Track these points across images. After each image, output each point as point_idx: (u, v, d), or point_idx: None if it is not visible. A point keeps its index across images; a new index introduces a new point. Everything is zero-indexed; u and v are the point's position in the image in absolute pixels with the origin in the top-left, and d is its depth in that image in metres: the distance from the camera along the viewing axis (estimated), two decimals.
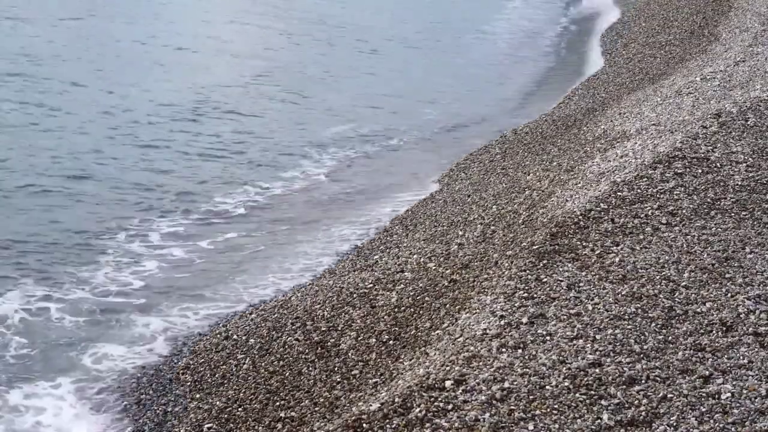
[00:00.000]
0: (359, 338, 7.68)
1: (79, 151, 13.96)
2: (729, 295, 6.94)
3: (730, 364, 5.99)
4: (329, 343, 7.76)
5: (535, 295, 6.88)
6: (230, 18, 26.19)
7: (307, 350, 7.75)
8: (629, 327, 6.41)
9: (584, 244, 7.81)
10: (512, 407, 5.48)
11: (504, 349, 6.12)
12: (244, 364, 7.86)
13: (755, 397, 5.62)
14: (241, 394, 7.36)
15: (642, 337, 6.29)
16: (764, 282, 7.15)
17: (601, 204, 8.66)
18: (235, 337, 8.42)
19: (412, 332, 7.43)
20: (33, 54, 19.10)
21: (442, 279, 8.35)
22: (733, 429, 5.35)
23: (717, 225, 8.22)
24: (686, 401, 5.58)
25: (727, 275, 7.26)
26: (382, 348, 7.37)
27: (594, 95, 17.28)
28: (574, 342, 6.19)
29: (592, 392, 5.64)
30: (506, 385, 5.68)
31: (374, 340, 7.55)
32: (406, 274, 8.86)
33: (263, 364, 7.75)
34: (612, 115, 14.09)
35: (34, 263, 10.17)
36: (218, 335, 8.58)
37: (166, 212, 11.98)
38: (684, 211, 8.46)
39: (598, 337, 6.26)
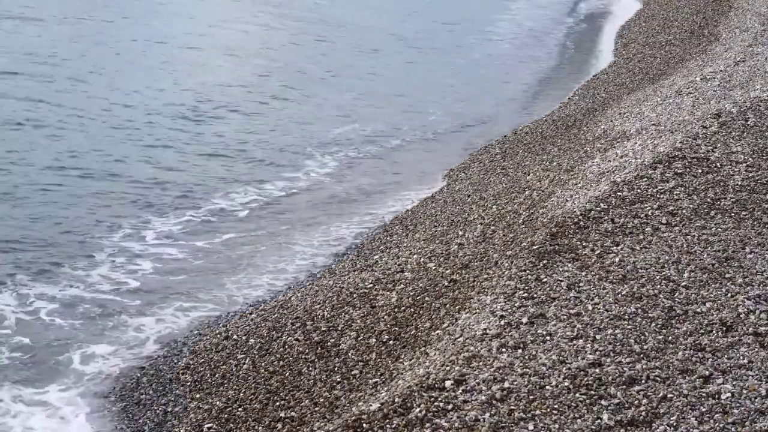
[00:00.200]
0: (359, 338, 7.68)
1: (79, 149, 13.96)
2: (729, 295, 6.94)
3: (730, 364, 5.99)
4: (329, 343, 7.76)
5: (535, 295, 6.88)
6: (232, 17, 26.18)
7: (307, 350, 7.75)
8: (629, 327, 6.41)
9: (584, 244, 7.81)
10: (512, 407, 5.48)
11: (504, 349, 6.12)
12: (244, 364, 7.86)
13: (755, 397, 5.62)
14: (241, 394, 7.36)
15: (642, 337, 6.29)
16: (764, 282, 7.15)
17: (601, 204, 8.66)
18: (235, 337, 8.42)
19: (412, 332, 7.43)
20: (34, 52, 19.10)
21: (442, 279, 8.35)
22: (733, 429, 5.35)
23: (717, 225, 8.22)
24: (686, 401, 5.58)
25: (727, 275, 7.26)
26: (382, 348, 7.37)
27: (594, 95, 17.28)
28: (574, 342, 6.19)
29: (592, 392, 5.64)
30: (506, 385, 5.68)
31: (374, 340, 7.55)
32: (406, 274, 8.86)
33: (263, 364, 7.75)
34: (612, 115, 14.09)
35: (30, 261, 10.16)
36: (218, 335, 8.58)
37: (164, 211, 11.97)
38: (684, 211, 8.46)
39: (598, 337, 6.26)
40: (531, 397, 5.58)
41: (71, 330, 8.92)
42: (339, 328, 7.98)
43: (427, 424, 5.37)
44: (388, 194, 13.30)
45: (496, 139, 15.44)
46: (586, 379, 5.76)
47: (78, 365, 8.33)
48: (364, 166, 14.72)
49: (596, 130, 13.02)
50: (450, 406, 5.52)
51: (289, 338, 8.05)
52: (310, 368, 7.45)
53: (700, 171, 9.46)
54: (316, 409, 6.79)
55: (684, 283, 7.08)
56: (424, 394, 5.68)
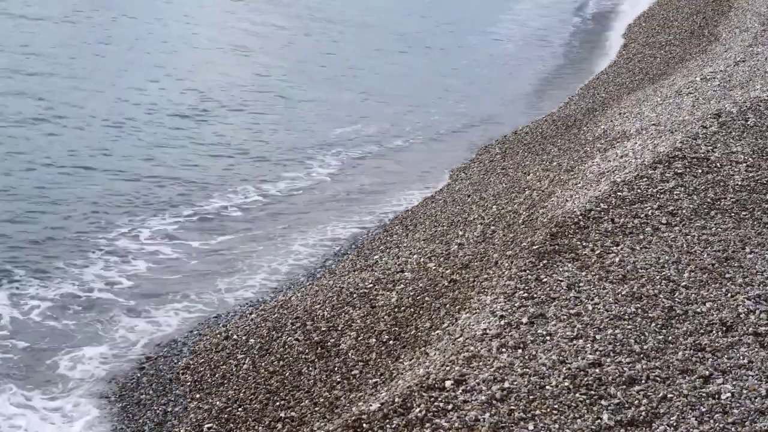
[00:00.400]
0: (359, 338, 7.68)
1: (78, 147, 13.95)
2: (729, 295, 6.94)
3: (730, 364, 5.99)
4: (329, 343, 7.76)
5: (535, 295, 6.88)
6: (235, 17, 26.18)
7: (307, 350, 7.75)
8: (629, 327, 6.41)
9: (584, 244, 7.81)
10: (512, 407, 5.48)
11: (504, 349, 6.12)
12: (244, 364, 7.86)
13: (755, 397, 5.62)
14: (241, 394, 7.36)
15: (642, 337, 6.29)
16: (764, 282, 7.15)
17: (601, 204, 8.66)
18: (235, 337, 8.42)
19: (412, 332, 7.43)
20: (35, 51, 19.10)
21: (442, 279, 8.35)
22: (733, 429, 5.35)
23: (717, 225, 8.22)
24: (686, 401, 5.58)
25: (727, 275, 7.26)
26: (382, 348, 7.37)
27: (594, 95, 17.29)
28: (574, 342, 6.19)
29: (592, 392, 5.64)
30: (506, 385, 5.68)
31: (374, 340, 7.54)
32: (406, 274, 8.86)
33: (263, 364, 7.75)
34: (612, 115, 14.09)
35: (25, 259, 10.16)
36: (218, 335, 8.58)
37: (161, 210, 11.96)
38: (684, 211, 8.46)
39: (598, 337, 6.26)
40: (531, 397, 5.58)
41: (65, 330, 8.90)
42: (339, 328, 7.98)
43: (427, 424, 5.37)
44: (389, 194, 13.30)
45: (496, 139, 15.44)
46: (586, 379, 5.76)
47: (71, 365, 8.31)
48: (365, 166, 14.72)
49: (596, 130, 13.02)
50: (450, 406, 5.52)
51: (289, 338, 8.05)
52: (310, 368, 7.45)
53: (700, 171, 9.46)
54: (316, 409, 6.79)
55: (684, 283, 7.08)
56: (424, 394, 5.68)
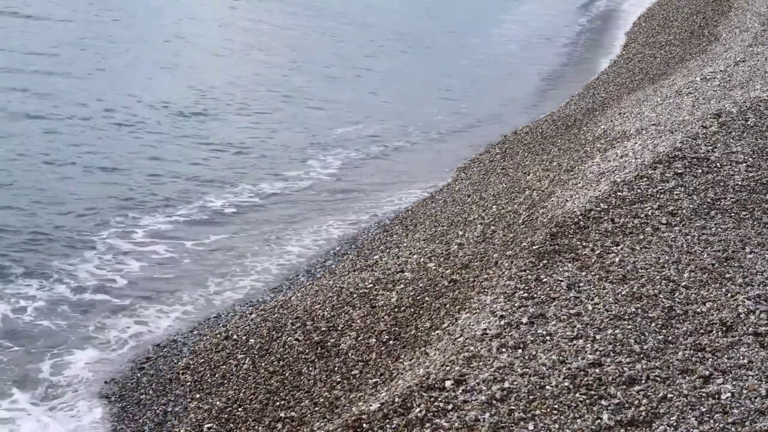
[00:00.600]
0: (359, 338, 7.68)
1: (78, 145, 13.97)
2: (729, 295, 6.94)
3: (730, 364, 5.99)
4: (329, 343, 7.76)
5: (535, 295, 6.88)
6: (237, 16, 26.20)
7: (307, 350, 7.75)
8: (629, 327, 6.41)
9: (584, 244, 7.81)
10: (512, 407, 5.48)
11: (504, 349, 6.12)
12: (244, 364, 7.86)
13: (755, 397, 5.62)
14: (241, 394, 7.36)
15: (642, 337, 6.29)
16: (764, 282, 7.15)
17: (601, 204, 8.66)
18: (235, 337, 8.42)
19: (412, 332, 7.43)
20: (37, 50, 19.12)
21: (442, 279, 8.35)
22: (733, 429, 5.35)
23: (717, 225, 8.22)
24: (686, 401, 5.58)
25: (727, 275, 7.26)
26: (382, 348, 7.37)
27: (594, 95, 17.29)
28: (574, 342, 6.19)
29: (592, 392, 5.64)
30: (506, 385, 5.68)
31: (374, 340, 7.54)
32: (406, 274, 8.86)
33: (263, 364, 7.75)
34: (612, 115, 14.09)
35: (19, 257, 10.17)
36: (218, 335, 8.58)
37: (158, 209, 11.97)
38: (684, 211, 8.46)
39: (598, 337, 6.26)
40: (531, 397, 5.58)
41: (58, 330, 8.90)
42: (339, 328, 7.98)
43: (427, 424, 5.37)
44: (390, 194, 13.30)
45: (497, 139, 15.44)
46: (586, 379, 5.76)
47: (65, 365, 8.31)
48: (366, 166, 14.71)
49: (596, 130, 13.02)
50: (450, 406, 5.52)
51: (289, 338, 8.05)
52: (310, 368, 7.45)
53: (700, 171, 9.46)
54: (316, 409, 6.79)
55: (684, 283, 7.08)
56: (424, 394, 5.68)
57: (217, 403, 7.36)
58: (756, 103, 11.85)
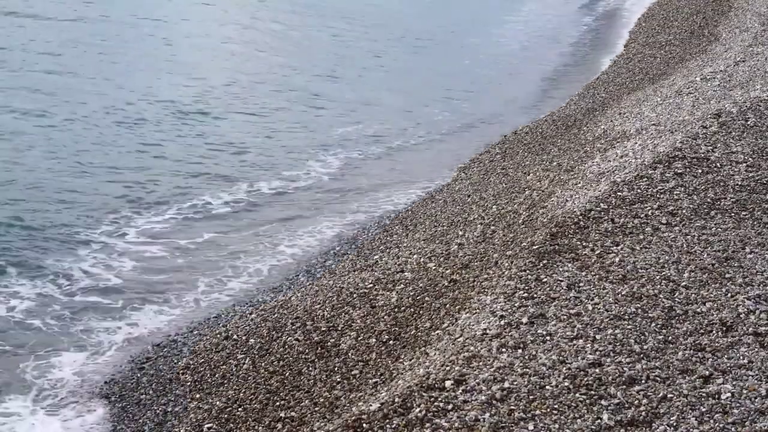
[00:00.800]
0: (359, 338, 7.68)
1: (74, 144, 13.99)
2: (729, 295, 6.94)
3: (730, 364, 5.99)
4: (329, 343, 7.76)
5: (535, 295, 6.88)
6: (236, 15, 26.20)
7: (307, 350, 7.75)
8: (629, 327, 6.41)
9: (584, 244, 7.80)
10: (512, 407, 5.48)
11: (504, 349, 6.12)
12: (244, 364, 7.86)
13: (755, 397, 5.62)
14: (241, 394, 7.36)
15: (642, 337, 6.29)
16: (764, 282, 7.15)
17: (601, 204, 8.66)
18: (235, 337, 8.42)
19: (412, 332, 7.43)
20: (35, 49, 19.13)
21: (442, 279, 8.35)
22: (733, 429, 5.35)
23: (717, 225, 8.22)
24: (686, 401, 5.58)
25: (727, 275, 7.26)
26: (382, 348, 7.37)
27: (594, 95, 17.28)
28: (574, 342, 6.19)
29: (592, 392, 5.64)
30: (506, 385, 5.68)
31: (374, 340, 7.54)
32: (406, 274, 8.85)
33: (263, 364, 7.75)
34: (612, 115, 14.09)
35: (11, 255, 10.17)
36: (218, 335, 8.58)
37: (154, 209, 12.00)
38: (684, 211, 8.46)
39: (598, 337, 6.26)
40: (531, 397, 5.57)
41: (50, 330, 8.91)
42: (339, 328, 7.98)
43: (427, 424, 5.37)
44: (390, 194, 13.29)
45: (497, 139, 15.44)
46: (586, 379, 5.76)
47: (55, 366, 8.32)
48: (366, 166, 14.71)
49: (596, 130, 13.02)
50: (450, 406, 5.52)
51: (289, 338, 8.05)
52: (310, 368, 7.45)
53: (700, 171, 9.46)
54: (316, 409, 6.79)
55: (684, 283, 7.08)
56: (424, 394, 5.68)
57: (217, 403, 7.36)
58: (756, 103, 11.85)
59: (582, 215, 8.40)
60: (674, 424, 5.38)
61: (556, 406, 5.50)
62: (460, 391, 5.67)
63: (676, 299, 6.83)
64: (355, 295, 8.60)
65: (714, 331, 6.41)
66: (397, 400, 5.68)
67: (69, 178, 12.65)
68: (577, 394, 5.61)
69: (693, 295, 6.92)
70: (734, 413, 5.47)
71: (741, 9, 22.05)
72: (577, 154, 11.75)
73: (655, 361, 5.99)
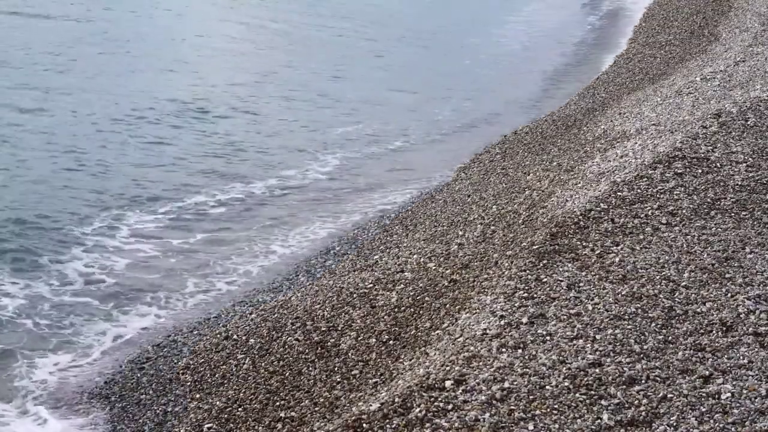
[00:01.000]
0: (359, 338, 7.68)
1: (75, 142, 14.01)
2: (729, 295, 6.94)
3: (730, 364, 5.99)
4: (329, 343, 7.76)
5: (535, 295, 6.88)
6: (236, 15, 26.20)
7: (307, 350, 7.75)
8: (629, 327, 6.41)
9: (584, 244, 7.80)
10: (512, 407, 5.48)
11: (504, 349, 6.12)
12: (244, 364, 7.86)
13: (755, 397, 5.62)
14: (241, 394, 7.36)
15: (642, 337, 6.29)
16: (764, 282, 7.15)
17: (601, 204, 8.66)
18: (235, 337, 8.42)
19: (412, 332, 7.43)
20: (35, 48, 19.13)
21: (442, 279, 8.35)
22: (733, 429, 5.35)
23: (717, 225, 8.22)
24: (686, 401, 5.58)
25: (727, 275, 7.26)
26: (382, 348, 7.37)
27: (594, 95, 17.28)
28: (574, 342, 6.19)
29: (592, 392, 5.64)
30: (506, 385, 5.68)
31: (374, 340, 7.54)
32: (406, 274, 8.85)
33: (263, 364, 7.75)
34: (612, 115, 14.09)
35: (6, 253, 10.20)
36: (218, 335, 8.58)
37: (149, 207, 12.02)
38: (684, 211, 8.46)
39: (598, 337, 6.26)
40: (531, 397, 5.57)
41: (39, 329, 8.90)
42: (339, 328, 7.98)
43: (427, 424, 5.37)
44: (389, 194, 13.29)
45: (497, 139, 15.43)
46: (586, 379, 5.76)
47: (55, 365, 8.33)
48: (366, 165, 14.70)
49: (596, 130, 13.02)
50: (450, 406, 5.52)
51: (289, 338, 8.05)
52: (310, 368, 7.45)
53: (700, 171, 9.46)
54: (316, 409, 6.79)
55: (684, 283, 7.08)
56: (424, 394, 5.68)
57: (217, 403, 7.36)
58: (756, 103, 11.85)
59: (582, 215, 8.40)
60: (674, 424, 5.38)
61: (556, 406, 5.50)
62: (460, 391, 5.67)
63: (676, 299, 6.84)
64: (355, 295, 8.60)
65: (714, 331, 6.41)
66: (397, 400, 5.68)
67: (64, 175, 12.66)
68: (577, 394, 5.61)
69: (693, 295, 6.92)
70: (734, 413, 5.47)
71: (741, 9, 22.06)
72: (577, 154, 11.75)
73: (655, 361, 5.99)
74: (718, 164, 9.63)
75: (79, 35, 20.97)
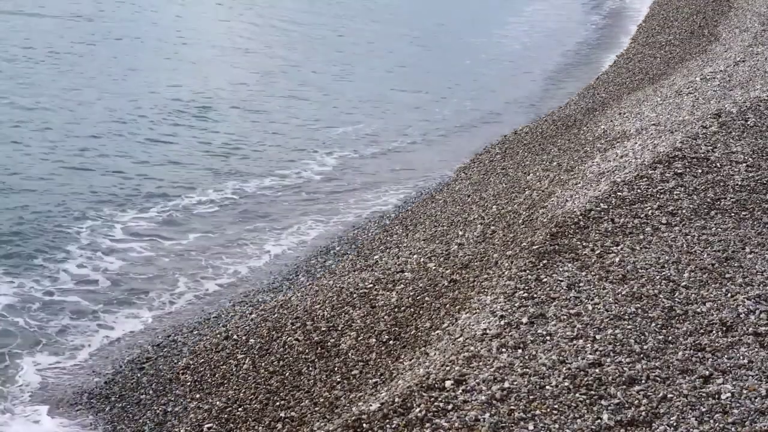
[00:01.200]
0: (359, 338, 7.68)
1: (73, 142, 14.00)
2: (729, 295, 6.94)
3: (730, 364, 5.99)
4: (329, 343, 7.76)
5: (535, 295, 6.88)
6: (236, 14, 26.19)
7: (307, 350, 7.75)
8: (629, 327, 6.41)
9: (584, 244, 7.80)
10: (512, 407, 5.48)
11: (504, 349, 6.12)
12: (244, 364, 7.86)
13: (755, 397, 5.62)
14: (241, 394, 7.36)
15: (642, 337, 6.29)
16: (764, 282, 7.15)
17: (601, 204, 8.66)
18: (235, 337, 8.42)
19: (412, 332, 7.43)
20: (35, 47, 19.12)
21: (442, 279, 8.35)
22: (733, 429, 5.35)
23: (717, 225, 8.22)
24: (686, 401, 5.58)
25: (727, 275, 7.26)
26: (382, 348, 7.37)
27: (594, 95, 17.28)
28: (574, 342, 6.19)
29: (592, 392, 5.64)
30: (506, 385, 5.68)
31: (374, 340, 7.54)
32: (406, 274, 8.85)
33: (263, 364, 7.75)
34: (612, 115, 14.09)
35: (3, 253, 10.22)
36: (218, 335, 8.58)
37: (145, 207, 12.02)
38: (684, 211, 8.46)
39: (598, 337, 6.26)
40: (531, 397, 5.57)
41: (31, 329, 8.90)
42: (339, 328, 7.98)
43: (427, 424, 5.37)
44: (389, 194, 13.29)
45: (497, 139, 15.43)
46: (586, 379, 5.76)
47: (51, 364, 8.33)
48: (366, 165, 14.69)
49: (596, 130, 13.02)
50: (450, 406, 5.52)
51: (289, 338, 8.05)
52: (310, 368, 7.45)
53: (700, 171, 9.46)
54: (316, 409, 6.79)
55: (684, 283, 7.08)
56: (424, 394, 5.68)
57: (217, 403, 7.36)
58: (756, 103, 11.85)
59: (582, 215, 8.40)
60: (674, 424, 5.38)
61: (556, 406, 5.50)
62: (460, 391, 5.67)
63: (676, 299, 6.84)
64: (355, 295, 8.60)
65: (714, 331, 6.41)
66: (397, 400, 5.68)
67: (58, 173, 12.66)
68: (577, 394, 5.61)
69: (693, 295, 6.92)
70: (734, 413, 5.47)
71: (741, 9, 22.06)
72: (577, 154, 11.75)
73: (655, 361, 5.99)
74: (718, 164, 9.63)
75: (79, 35, 20.96)
